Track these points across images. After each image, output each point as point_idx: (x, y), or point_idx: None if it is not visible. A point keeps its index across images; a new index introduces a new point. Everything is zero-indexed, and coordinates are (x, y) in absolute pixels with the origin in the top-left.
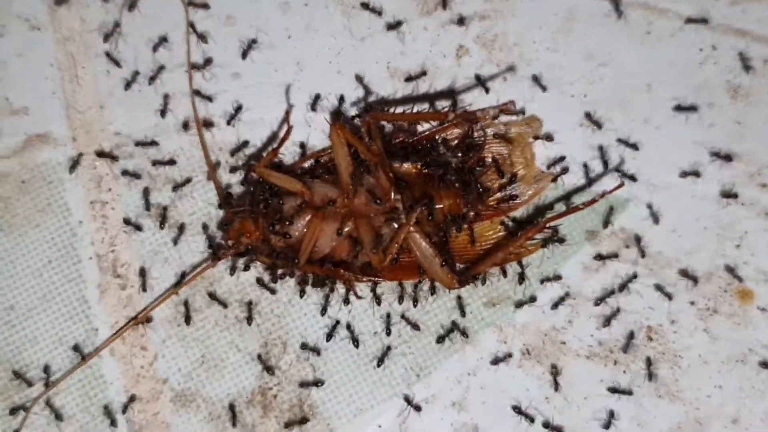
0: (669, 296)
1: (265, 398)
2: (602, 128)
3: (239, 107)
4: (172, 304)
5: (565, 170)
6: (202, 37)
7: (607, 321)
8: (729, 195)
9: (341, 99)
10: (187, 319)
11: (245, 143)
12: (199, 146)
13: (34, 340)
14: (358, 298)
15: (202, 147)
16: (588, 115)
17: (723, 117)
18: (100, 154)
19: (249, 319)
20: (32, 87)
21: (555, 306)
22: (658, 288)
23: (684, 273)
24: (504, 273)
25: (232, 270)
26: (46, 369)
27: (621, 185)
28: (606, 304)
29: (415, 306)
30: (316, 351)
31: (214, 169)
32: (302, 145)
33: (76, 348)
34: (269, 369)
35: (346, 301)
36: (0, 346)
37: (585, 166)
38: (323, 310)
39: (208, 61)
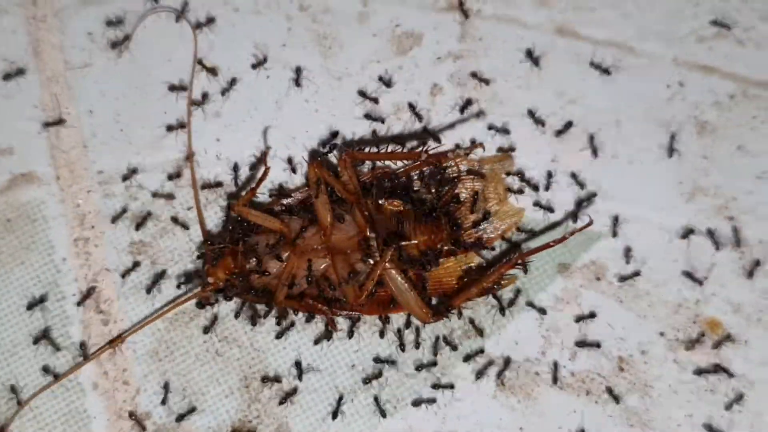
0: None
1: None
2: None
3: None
4: (153, 339)
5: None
6: (212, 71)
7: (576, 351)
8: (688, 233)
9: (331, 138)
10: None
11: (219, 184)
12: (181, 185)
13: (19, 376)
14: (335, 330)
15: (193, 184)
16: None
17: (690, 151)
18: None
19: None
20: (17, 127)
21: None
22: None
23: None
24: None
25: (199, 305)
26: (13, 388)
27: (590, 223)
28: (577, 336)
29: (402, 350)
30: (290, 393)
31: (200, 206)
32: (280, 186)
33: (46, 369)
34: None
35: (328, 337)
36: None
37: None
38: (316, 341)
39: (205, 96)
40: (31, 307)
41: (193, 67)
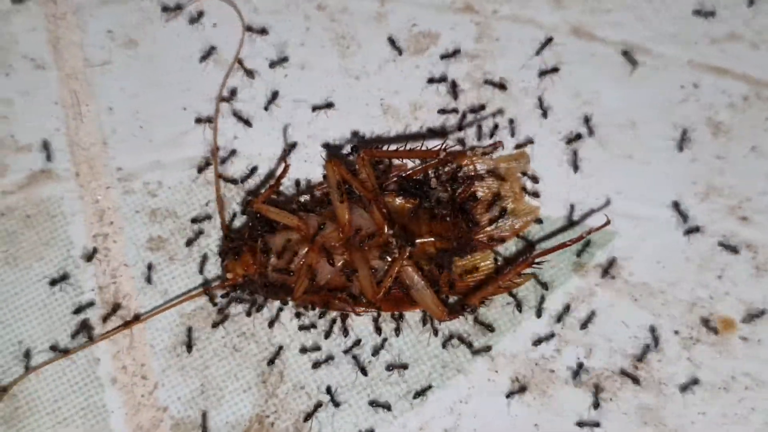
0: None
1: (262, 426)
2: (578, 169)
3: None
4: (171, 334)
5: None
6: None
7: (589, 351)
8: (692, 230)
9: (357, 139)
10: (189, 347)
11: (254, 169)
12: (199, 183)
13: (38, 371)
14: (357, 314)
15: (215, 179)
16: (574, 154)
17: (705, 152)
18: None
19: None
20: (37, 124)
21: (537, 343)
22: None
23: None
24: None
25: (212, 301)
26: (28, 353)
27: (607, 223)
28: (589, 333)
29: (397, 334)
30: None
31: (223, 203)
32: (297, 182)
33: (53, 348)
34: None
35: (345, 333)
36: (5, 377)
37: (572, 207)
38: (327, 334)
39: (233, 92)
40: (54, 283)
41: (231, 66)
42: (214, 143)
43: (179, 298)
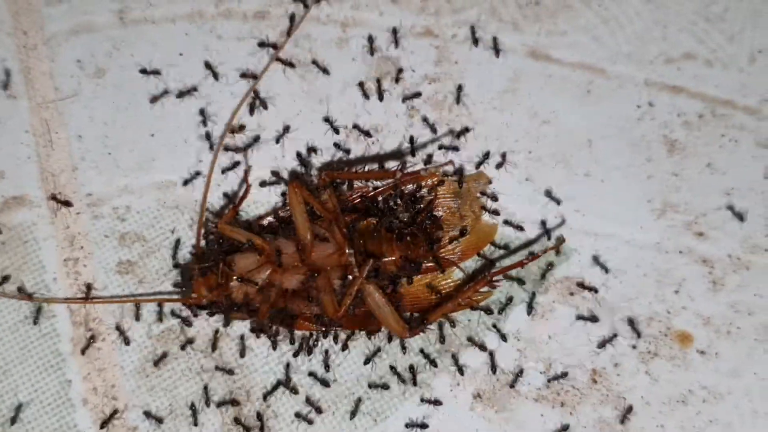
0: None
1: None
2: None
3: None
4: (141, 356)
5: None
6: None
7: (554, 378)
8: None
9: (307, 152)
10: (157, 363)
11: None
12: (167, 207)
13: (11, 392)
14: (321, 332)
15: (203, 198)
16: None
17: (660, 170)
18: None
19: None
20: (8, 152)
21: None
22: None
23: (631, 322)
24: (452, 323)
25: (185, 321)
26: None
27: (562, 242)
28: (552, 349)
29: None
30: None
31: (202, 221)
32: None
33: (20, 289)
34: None
35: (309, 351)
36: None
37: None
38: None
39: (242, 127)
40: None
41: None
42: (213, 162)
43: (143, 297)
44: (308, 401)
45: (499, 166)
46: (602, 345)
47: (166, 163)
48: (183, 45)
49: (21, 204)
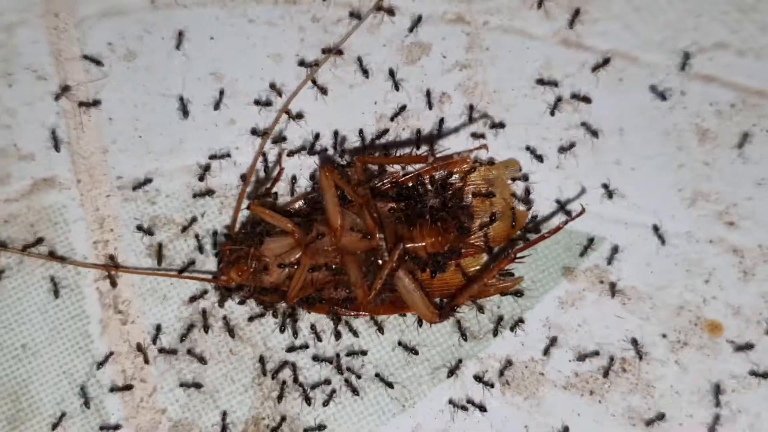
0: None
1: (258, 428)
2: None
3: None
4: (170, 338)
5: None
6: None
7: (582, 357)
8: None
9: (336, 141)
10: (182, 337)
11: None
12: (196, 190)
13: (40, 374)
14: (346, 316)
15: (244, 185)
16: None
17: (691, 159)
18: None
19: (231, 332)
20: (39, 134)
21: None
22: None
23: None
24: (480, 309)
25: (221, 302)
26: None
27: (582, 212)
28: (581, 337)
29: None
30: (305, 390)
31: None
32: (294, 178)
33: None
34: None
35: (337, 336)
36: (8, 379)
37: (559, 202)
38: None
39: (300, 116)
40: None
41: (280, 114)
42: (259, 150)
43: (171, 272)
44: (347, 382)
45: (533, 153)
46: (634, 342)
47: (195, 146)
48: (214, 29)
49: (51, 186)
